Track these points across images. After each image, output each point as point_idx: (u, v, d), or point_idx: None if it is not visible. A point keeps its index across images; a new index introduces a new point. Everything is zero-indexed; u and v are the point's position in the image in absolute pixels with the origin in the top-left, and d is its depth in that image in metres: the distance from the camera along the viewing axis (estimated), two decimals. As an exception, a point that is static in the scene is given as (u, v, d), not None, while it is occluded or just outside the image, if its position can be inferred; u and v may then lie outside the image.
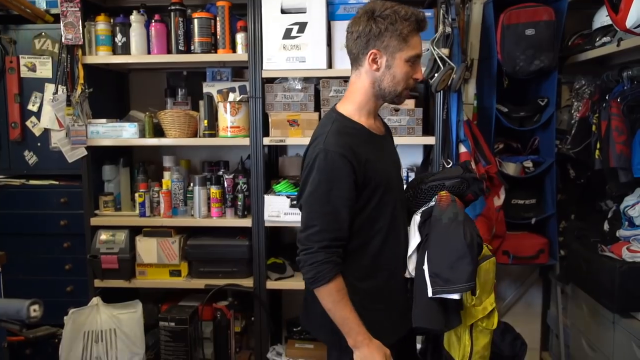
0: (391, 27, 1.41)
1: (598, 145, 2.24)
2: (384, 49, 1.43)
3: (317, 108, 2.47)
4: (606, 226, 2.33)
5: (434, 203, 1.57)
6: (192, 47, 2.51)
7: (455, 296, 1.45)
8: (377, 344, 1.44)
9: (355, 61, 1.51)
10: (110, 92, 2.84)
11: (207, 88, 2.70)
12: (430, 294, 1.45)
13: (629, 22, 1.68)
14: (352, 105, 1.52)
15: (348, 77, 2.37)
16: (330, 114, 1.55)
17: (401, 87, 1.47)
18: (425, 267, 1.48)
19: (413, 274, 1.55)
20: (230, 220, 2.55)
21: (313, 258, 1.39)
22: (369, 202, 1.47)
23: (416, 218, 1.57)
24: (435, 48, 2.23)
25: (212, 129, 2.54)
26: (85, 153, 2.54)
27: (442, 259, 1.46)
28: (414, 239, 1.55)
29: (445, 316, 1.50)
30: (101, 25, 2.52)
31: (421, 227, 1.55)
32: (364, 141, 1.48)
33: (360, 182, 1.43)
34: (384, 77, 1.46)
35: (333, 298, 1.40)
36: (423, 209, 1.59)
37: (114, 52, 2.56)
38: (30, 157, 2.72)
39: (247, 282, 2.54)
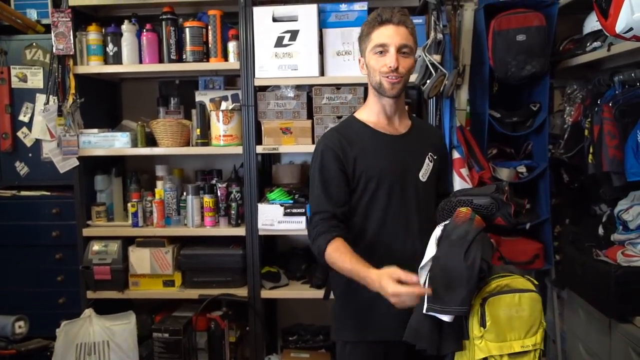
0: (361, 35, 1.63)
1: (591, 150, 2.24)
2: (362, 53, 1.65)
3: (310, 115, 2.46)
4: (601, 230, 2.32)
5: None
6: (184, 56, 2.50)
7: (446, 318, 1.37)
8: (374, 273, 1.39)
9: None
10: (102, 102, 2.83)
11: (199, 97, 2.69)
12: (424, 310, 1.39)
13: (619, 27, 1.68)
14: (364, 108, 1.71)
15: (340, 85, 2.42)
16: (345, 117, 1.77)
17: (377, 76, 1.59)
18: (427, 281, 1.42)
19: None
20: (224, 230, 2.54)
21: (311, 238, 1.56)
22: (362, 195, 1.60)
23: (437, 231, 1.50)
24: (427, 54, 2.23)
25: (205, 137, 2.53)
26: (77, 163, 2.52)
27: (441, 276, 1.39)
28: (430, 251, 1.48)
29: (440, 338, 1.42)
30: (92, 35, 2.52)
31: (439, 241, 1.47)
32: (361, 138, 1.62)
33: (350, 174, 1.58)
34: (368, 75, 1.63)
35: (333, 259, 1.49)
36: (445, 222, 1.51)
37: (106, 62, 2.55)
38: (22, 168, 2.70)
39: (242, 292, 2.52)
